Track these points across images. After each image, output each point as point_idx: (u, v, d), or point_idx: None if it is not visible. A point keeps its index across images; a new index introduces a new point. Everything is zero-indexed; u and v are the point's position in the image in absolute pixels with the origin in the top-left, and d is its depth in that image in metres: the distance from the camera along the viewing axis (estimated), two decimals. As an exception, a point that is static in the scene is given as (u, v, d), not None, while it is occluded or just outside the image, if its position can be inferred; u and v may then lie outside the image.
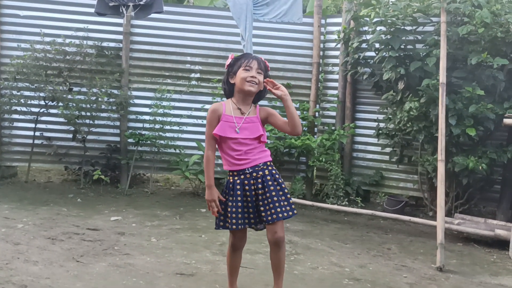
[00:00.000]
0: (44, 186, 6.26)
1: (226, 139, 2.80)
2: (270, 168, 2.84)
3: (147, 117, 6.39)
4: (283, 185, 2.84)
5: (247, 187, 2.78)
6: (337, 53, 6.48)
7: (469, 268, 4.13)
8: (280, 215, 2.76)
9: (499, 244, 4.70)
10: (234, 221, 2.78)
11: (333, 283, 3.54)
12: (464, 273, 3.99)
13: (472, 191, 5.56)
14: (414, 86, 5.39)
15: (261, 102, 3.02)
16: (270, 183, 2.78)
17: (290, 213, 2.81)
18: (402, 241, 4.84)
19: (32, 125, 6.30)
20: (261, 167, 2.81)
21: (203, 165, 2.88)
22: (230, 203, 2.80)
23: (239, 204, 2.77)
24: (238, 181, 2.79)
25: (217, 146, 2.87)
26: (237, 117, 2.80)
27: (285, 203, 2.80)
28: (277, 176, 2.84)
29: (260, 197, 2.78)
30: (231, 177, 2.84)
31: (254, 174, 2.79)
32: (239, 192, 2.78)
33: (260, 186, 2.78)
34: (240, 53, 2.97)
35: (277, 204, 2.76)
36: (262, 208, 2.78)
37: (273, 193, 2.77)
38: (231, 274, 3.01)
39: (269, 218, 2.76)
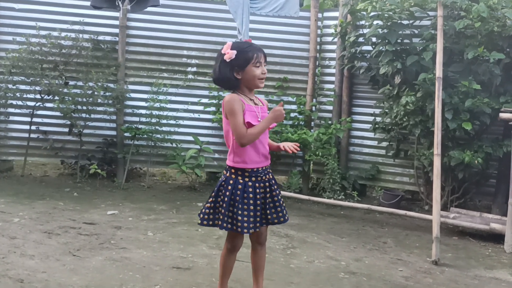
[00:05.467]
0: (40, 180, 6.25)
1: (253, 126, 2.63)
2: (270, 171, 2.83)
3: (143, 111, 6.37)
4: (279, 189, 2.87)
5: (258, 190, 2.70)
6: (334, 47, 6.47)
7: (464, 262, 4.16)
8: (282, 218, 2.80)
9: (494, 237, 4.72)
10: (245, 224, 2.64)
11: (329, 277, 3.55)
12: (459, 267, 4.01)
13: (468, 185, 5.59)
14: (411, 80, 5.40)
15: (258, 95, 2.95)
16: (275, 187, 2.79)
17: (286, 217, 2.85)
18: (398, 235, 4.86)
19: (28, 119, 6.28)
20: (268, 170, 2.79)
21: (252, 137, 2.59)
22: (241, 206, 2.64)
23: (252, 207, 2.66)
24: (250, 183, 2.67)
25: (233, 143, 2.68)
26: (255, 106, 2.69)
27: (284, 206, 2.83)
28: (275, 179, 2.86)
29: (267, 200, 2.76)
30: (240, 177, 2.67)
31: (264, 177, 2.74)
32: (251, 195, 2.66)
33: (268, 189, 2.75)
34: (241, 42, 2.79)
35: (279, 209, 2.78)
36: (268, 211, 2.75)
37: (279, 197, 2.80)
38: (224, 275, 2.90)
39: (275, 220, 2.76)
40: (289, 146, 2.74)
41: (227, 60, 2.63)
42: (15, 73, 6.07)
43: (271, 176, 2.79)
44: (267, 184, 2.75)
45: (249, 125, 2.60)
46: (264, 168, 2.74)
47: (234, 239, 2.79)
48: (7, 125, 6.45)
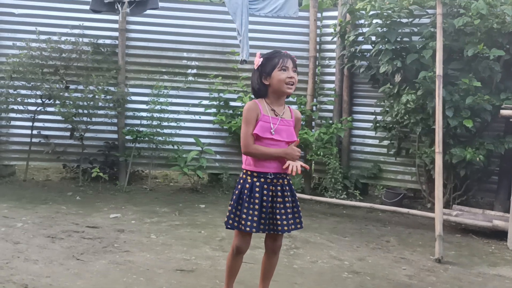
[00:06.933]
0: (43, 184, 6.26)
1: (262, 138, 2.70)
2: (288, 177, 2.79)
3: (144, 114, 6.37)
4: (296, 196, 2.83)
5: (265, 192, 2.70)
6: (333, 46, 6.48)
7: (467, 259, 4.16)
8: (293, 226, 2.77)
9: (497, 234, 4.73)
10: (248, 223, 2.66)
11: (332, 277, 3.56)
12: (463, 264, 4.01)
13: (470, 182, 5.59)
14: (411, 78, 5.40)
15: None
16: (289, 193, 2.76)
17: (299, 225, 2.81)
18: (400, 233, 4.87)
19: (30, 124, 6.29)
20: (283, 175, 2.76)
21: (256, 153, 2.67)
22: (246, 204, 2.68)
23: (257, 207, 2.67)
24: (258, 184, 2.69)
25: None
26: (272, 117, 2.71)
27: (297, 215, 2.80)
28: (293, 186, 2.84)
29: (277, 205, 2.72)
30: (249, 178, 2.72)
31: (275, 180, 2.72)
32: (257, 195, 2.68)
33: (279, 194, 2.73)
34: (270, 51, 2.80)
35: (290, 216, 2.75)
36: (278, 217, 2.71)
37: (292, 204, 2.77)
38: (230, 277, 2.91)
39: (285, 228, 2.72)
40: (292, 167, 2.65)
41: (255, 68, 2.75)
42: (15, 78, 6.08)
43: (286, 182, 2.76)
44: (279, 188, 2.73)
45: (256, 136, 2.68)
46: (275, 173, 2.73)
47: (240, 240, 2.78)
48: (8, 130, 6.46)
